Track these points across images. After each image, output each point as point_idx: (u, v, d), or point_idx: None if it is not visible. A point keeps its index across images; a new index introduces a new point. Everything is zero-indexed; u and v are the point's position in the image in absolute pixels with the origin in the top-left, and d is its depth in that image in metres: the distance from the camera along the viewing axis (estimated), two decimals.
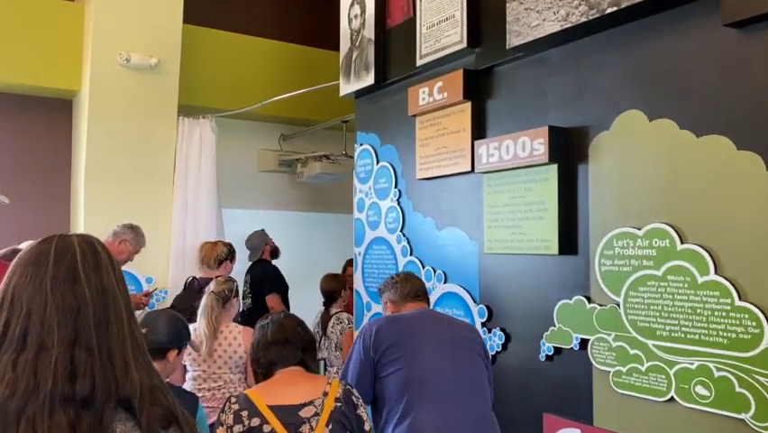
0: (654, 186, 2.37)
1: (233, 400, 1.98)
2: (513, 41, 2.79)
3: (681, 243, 2.25)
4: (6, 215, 5.02)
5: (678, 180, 2.29)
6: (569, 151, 2.67)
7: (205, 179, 5.28)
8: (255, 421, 1.91)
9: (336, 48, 4.25)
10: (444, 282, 3.33)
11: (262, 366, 2.09)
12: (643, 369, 2.36)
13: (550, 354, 2.72)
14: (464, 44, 3.09)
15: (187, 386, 3.25)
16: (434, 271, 3.40)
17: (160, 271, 5.04)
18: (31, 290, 1.00)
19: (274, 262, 5.20)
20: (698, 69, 2.26)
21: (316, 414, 1.93)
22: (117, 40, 4.84)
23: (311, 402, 1.95)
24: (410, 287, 2.65)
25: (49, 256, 1.04)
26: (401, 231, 3.68)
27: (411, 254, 3.60)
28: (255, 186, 6.20)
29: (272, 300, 4.75)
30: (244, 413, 1.92)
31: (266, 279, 4.89)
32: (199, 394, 3.15)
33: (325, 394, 1.98)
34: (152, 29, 4.96)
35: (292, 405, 1.94)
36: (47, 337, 0.96)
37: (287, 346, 2.09)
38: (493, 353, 3.01)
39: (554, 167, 2.68)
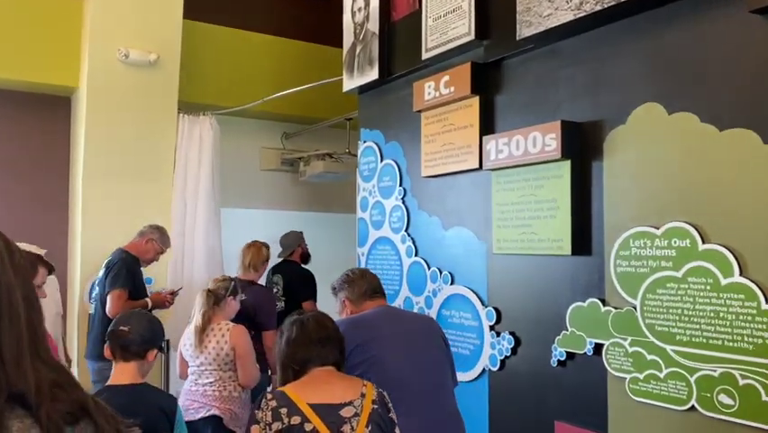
0: (674, 183, 2.24)
1: (270, 396, 1.90)
2: (524, 31, 2.67)
3: (703, 242, 2.13)
4: (2, 213, 4.93)
5: (699, 177, 2.17)
6: (582, 146, 2.55)
7: (205, 179, 5.17)
8: (296, 419, 1.84)
9: (340, 44, 4.14)
10: (451, 284, 3.21)
11: (297, 363, 2.00)
12: (661, 376, 2.24)
13: (562, 359, 2.60)
14: (472, 36, 2.98)
15: (188, 381, 3.25)
16: (441, 273, 3.28)
17: (158, 272, 4.92)
18: None
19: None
20: (721, 59, 2.13)
21: (356, 414, 1.89)
22: (116, 35, 4.74)
23: (350, 403, 1.91)
24: (367, 284, 2.58)
25: None
26: (406, 230, 3.57)
27: (416, 255, 3.48)
28: (257, 185, 6.10)
29: (309, 307, 4.61)
30: (284, 410, 1.86)
31: (301, 284, 4.73)
32: (194, 389, 3.17)
33: (363, 396, 1.95)
34: (152, 24, 4.85)
35: (332, 404, 1.90)
36: None
37: (327, 345, 2.03)
38: (502, 357, 2.89)
39: (567, 163, 2.56)
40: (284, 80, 5.42)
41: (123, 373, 2.16)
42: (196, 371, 3.19)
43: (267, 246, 4.31)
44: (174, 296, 4.39)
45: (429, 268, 3.37)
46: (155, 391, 2.25)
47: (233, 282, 3.43)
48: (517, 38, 2.70)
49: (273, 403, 1.87)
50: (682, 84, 2.23)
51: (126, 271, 4.05)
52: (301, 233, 5.09)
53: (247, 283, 3.93)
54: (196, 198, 5.10)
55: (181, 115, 5.14)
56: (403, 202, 3.60)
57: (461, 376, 3.12)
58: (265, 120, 6.05)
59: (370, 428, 1.90)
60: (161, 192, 5.03)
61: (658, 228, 2.26)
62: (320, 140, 6.10)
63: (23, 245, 3.82)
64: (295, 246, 4.93)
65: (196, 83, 5.28)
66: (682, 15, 2.24)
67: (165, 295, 4.32)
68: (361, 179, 4.00)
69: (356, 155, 5.39)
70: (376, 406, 1.94)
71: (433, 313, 3.30)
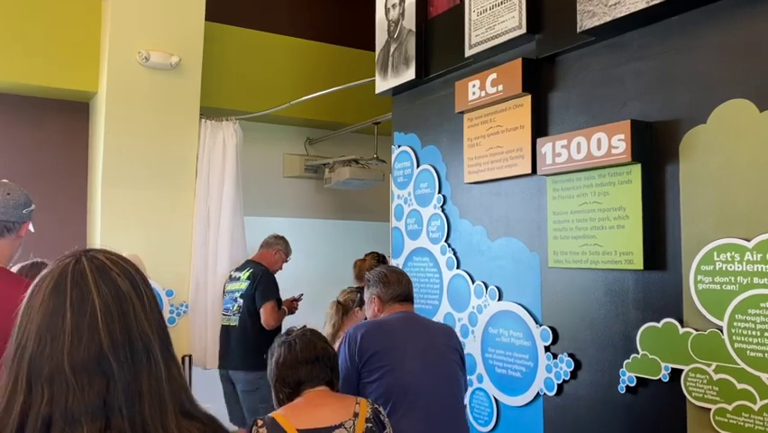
0: None
1: (260, 423, 1.86)
2: (585, 23, 2.42)
3: None
4: None
5: None
6: (654, 148, 2.30)
7: (229, 186, 4.95)
8: None
9: (367, 46, 3.93)
10: (499, 300, 2.96)
11: (289, 385, 1.97)
12: (755, 408, 1.97)
13: (632, 385, 2.34)
14: (523, 30, 2.73)
15: None
16: (486, 287, 3.03)
17: (180, 283, 4.72)
18: (48, 368, 0.87)
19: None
20: None
21: None
22: (136, 37, 4.55)
23: (341, 425, 1.88)
24: (401, 290, 2.61)
25: (65, 318, 0.89)
26: (446, 241, 3.32)
27: (458, 267, 3.23)
28: (280, 192, 5.88)
29: None
30: None
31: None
32: None
33: (356, 415, 1.91)
34: (173, 26, 4.66)
35: (323, 428, 1.86)
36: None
37: (317, 365, 1.98)
38: (559, 381, 2.63)
39: (637, 167, 2.30)
40: (309, 84, 5.22)
41: None
42: None
43: (374, 257, 4.59)
44: (298, 302, 4.55)
45: (473, 282, 3.12)
46: None
47: (359, 295, 3.53)
48: (578, 30, 2.45)
49: (263, 431, 1.83)
50: None
51: (273, 283, 4.28)
52: None
53: None
54: (219, 206, 4.88)
55: (203, 120, 4.94)
56: (442, 210, 3.36)
57: (511, 400, 2.87)
58: (287, 125, 5.85)
59: None
60: (183, 200, 4.82)
61: (749, 240, 2.00)
62: (344, 145, 5.88)
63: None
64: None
65: (219, 87, 5.09)
66: None
67: (290, 302, 4.49)
68: (396, 186, 3.76)
69: (384, 161, 5.18)
70: (370, 424, 1.92)
71: (478, 331, 3.05)
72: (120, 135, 4.59)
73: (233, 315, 4.29)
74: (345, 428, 1.87)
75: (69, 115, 5.06)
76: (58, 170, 5.04)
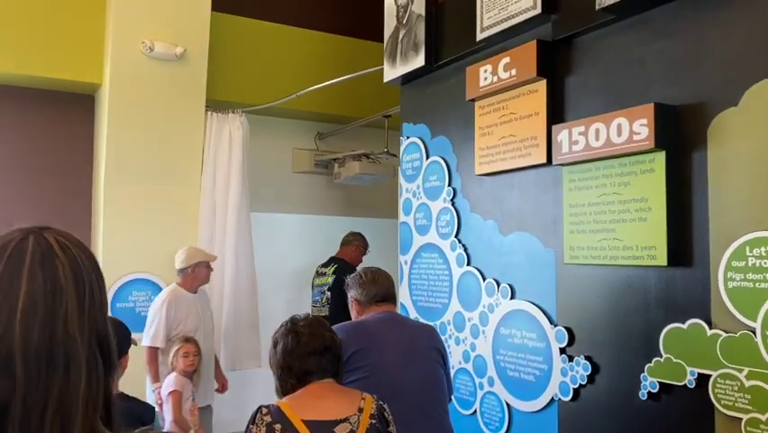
0: None
1: (265, 410, 1.83)
2: None
3: None
4: (26, 214, 4.66)
5: None
6: (680, 134, 2.11)
7: (235, 181, 4.82)
8: None
9: (378, 38, 3.76)
10: (511, 298, 2.79)
11: (296, 376, 1.93)
12: None
13: (654, 391, 2.15)
14: (538, 10, 2.56)
15: None
16: (498, 285, 2.86)
17: None
18: None
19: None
20: None
21: (352, 432, 1.83)
22: (140, 27, 4.43)
23: (346, 419, 1.85)
24: (377, 290, 2.54)
25: None
26: (456, 236, 3.15)
27: (468, 264, 3.06)
28: (289, 188, 5.74)
29: None
30: (278, 426, 1.79)
31: None
32: None
33: (360, 411, 1.88)
34: (178, 16, 4.54)
35: (327, 421, 1.83)
36: None
37: (326, 356, 1.95)
38: (575, 386, 2.45)
39: (661, 154, 2.12)
40: (317, 77, 5.05)
41: None
42: None
43: None
44: None
45: (484, 279, 2.95)
46: (133, 402, 2.20)
47: None
48: (597, 7, 2.27)
49: (268, 419, 1.80)
50: None
51: None
52: None
53: None
54: (226, 202, 4.75)
55: (209, 112, 4.81)
56: (452, 204, 3.19)
57: (524, 405, 2.70)
58: (297, 120, 5.71)
59: None
60: (189, 195, 4.70)
61: None
62: (355, 140, 5.72)
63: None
64: None
65: (225, 79, 4.96)
66: None
67: None
68: (404, 180, 3.60)
69: (395, 155, 5.02)
70: (374, 421, 1.88)
71: (489, 332, 2.88)
72: (123, 128, 4.48)
73: (323, 306, 4.80)
74: (350, 422, 1.84)
75: (75, 107, 4.96)
76: (64, 164, 4.95)
